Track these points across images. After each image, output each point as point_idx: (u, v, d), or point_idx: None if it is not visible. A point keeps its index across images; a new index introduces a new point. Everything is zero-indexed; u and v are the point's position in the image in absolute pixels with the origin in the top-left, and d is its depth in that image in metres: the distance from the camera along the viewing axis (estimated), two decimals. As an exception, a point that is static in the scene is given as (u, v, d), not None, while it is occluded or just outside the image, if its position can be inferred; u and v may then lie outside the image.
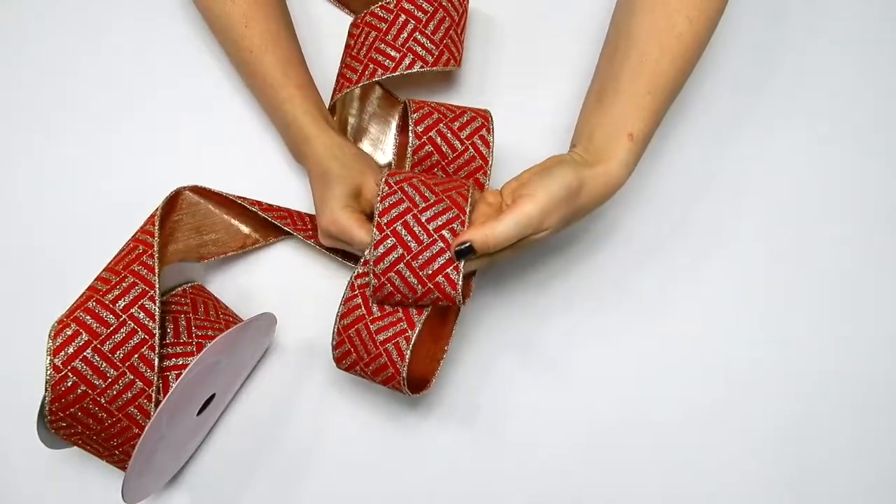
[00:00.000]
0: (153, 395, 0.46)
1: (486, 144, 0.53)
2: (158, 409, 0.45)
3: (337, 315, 0.49)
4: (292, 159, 0.60)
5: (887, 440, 0.57)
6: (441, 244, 0.46)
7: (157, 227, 0.50)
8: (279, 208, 0.58)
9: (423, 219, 0.47)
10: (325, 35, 0.64)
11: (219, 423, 0.56)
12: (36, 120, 0.62)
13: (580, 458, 0.56)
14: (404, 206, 0.47)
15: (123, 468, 0.47)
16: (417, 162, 0.53)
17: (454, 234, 0.47)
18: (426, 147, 0.52)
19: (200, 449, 0.56)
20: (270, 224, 0.58)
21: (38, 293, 0.58)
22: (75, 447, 0.49)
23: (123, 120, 0.62)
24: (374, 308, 0.49)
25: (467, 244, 0.46)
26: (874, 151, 0.62)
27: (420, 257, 0.46)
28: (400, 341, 0.48)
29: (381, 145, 0.62)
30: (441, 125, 0.52)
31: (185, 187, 0.56)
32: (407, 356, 0.48)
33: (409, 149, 0.52)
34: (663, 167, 0.61)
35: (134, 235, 0.51)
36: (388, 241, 0.46)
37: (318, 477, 0.55)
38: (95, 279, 0.48)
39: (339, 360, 0.51)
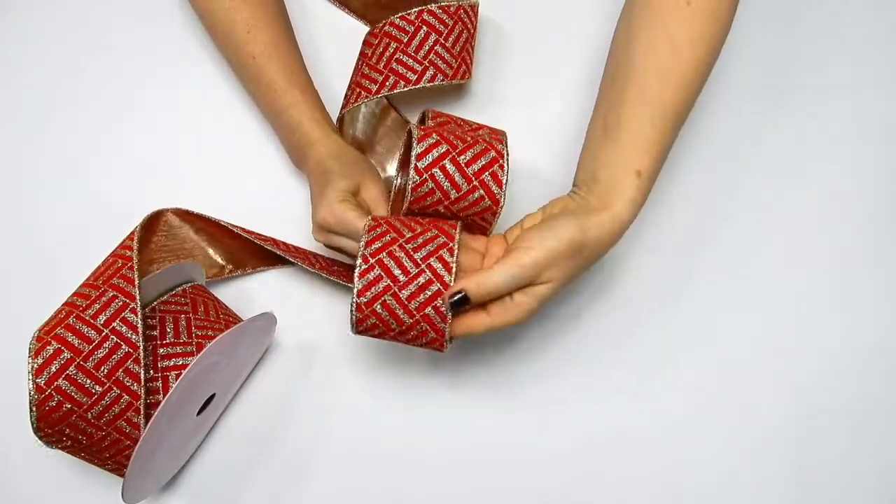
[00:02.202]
0: (142, 408, 0.46)
1: (498, 183, 0.48)
2: (158, 410, 0.45)
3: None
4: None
5: (887, 440, 0.57)
6: (429, 273, 0.45)
7: (135, 243, 0.50)
8: (263, 236, 0.58)
9: (410, 248, 0.45)
10: (324, 35, 0.64)
11: (219, 423, 0.56)
12: (36, 120, 0.62)
13: (581, 460, 0.56)
14: (390, 237, 0.46)
15: (121, 475, 0.47)
16: (416, 199, 0.48)
17: (442, 261, 0.45)
18: (427, 184, 0.48)
19: (200, 449, 0.56)
20: (249, 254, 0.58)
21: (38, 293, 0.58)
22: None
23: (123, 120, 0.62)
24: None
25: (462, 294, 0.44)
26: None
27: (407, 288, 0.45)
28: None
29: (386, 164, 0.61)
30: (446, 160, 0.47)
31: (167, 209, 0.56)
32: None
33: (409, 184, 0.48)
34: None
35: (112, 252, 0.50)
36: (374, 272, 0.45)
37: (318, 477, 0.55)
38: (72, 295, 0.47)
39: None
